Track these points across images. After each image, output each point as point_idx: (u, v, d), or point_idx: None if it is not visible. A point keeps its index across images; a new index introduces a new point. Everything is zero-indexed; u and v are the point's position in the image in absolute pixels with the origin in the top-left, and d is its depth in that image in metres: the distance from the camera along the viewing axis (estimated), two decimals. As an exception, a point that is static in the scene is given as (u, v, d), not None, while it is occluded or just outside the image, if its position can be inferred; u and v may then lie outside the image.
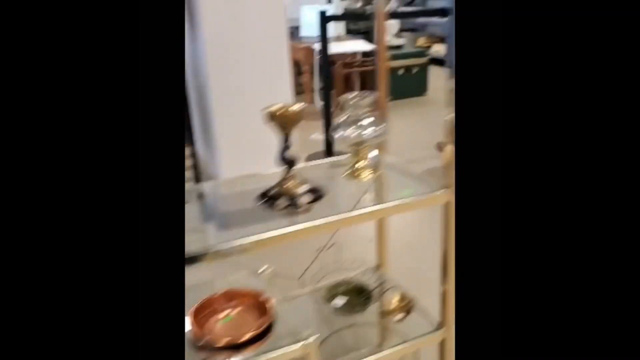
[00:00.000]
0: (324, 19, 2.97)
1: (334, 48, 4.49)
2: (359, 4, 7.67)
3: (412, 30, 7.16)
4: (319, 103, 4.74)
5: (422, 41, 6.68)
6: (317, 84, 4.76)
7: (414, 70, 4.75)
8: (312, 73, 4.82)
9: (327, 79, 3.14)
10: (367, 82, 4.49)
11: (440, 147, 3.10)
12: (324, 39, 3.02)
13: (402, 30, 7.09)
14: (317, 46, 4.56)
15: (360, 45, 4.58)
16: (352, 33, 5.68)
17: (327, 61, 3.14)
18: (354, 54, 4.70)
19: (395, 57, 4.63)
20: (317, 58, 4.57)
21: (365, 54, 4.70)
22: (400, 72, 4.68)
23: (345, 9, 6.74)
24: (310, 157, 3.30)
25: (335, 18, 2.94)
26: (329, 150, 3.28)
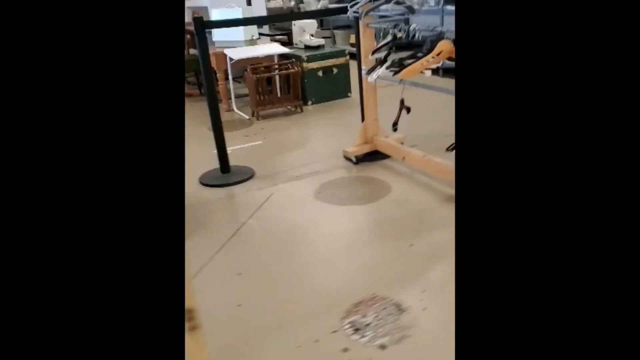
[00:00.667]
0: (201, 25, 2.72)
1: (243, 52, 4.24)
2: (292, 3, 7.44)
3: (347, 27, 6.95)
4: (237, 111, 4.49)
5: (354, 38, 6.48)
6: (232, 90, 4.51)
7: (335, 71, 4.52)
8: (227, 79, 4.56)
9: (210, 90, 2.89)
10: (288, 86, 4.26)
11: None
12: (202, 48, 2.77)
13: (334, 27, 6.89)
14: (228, 52, 4.31)
15: (273, 49, 4.33)
16: (269, 35, 5.45)
17: (209, 72, 2.89)
18: (270, 58, 4.45)
19: (312, 59, 4.40)
20: (230, 63, 4.32)
21: (285, 57, 4.46)
22: (320, 73, 4.45)
23: (270, 9, 6.50)
24: (204, 176, 3.05)
25: (218, 24, 2.67)
26: (223, 167, 3.03)
